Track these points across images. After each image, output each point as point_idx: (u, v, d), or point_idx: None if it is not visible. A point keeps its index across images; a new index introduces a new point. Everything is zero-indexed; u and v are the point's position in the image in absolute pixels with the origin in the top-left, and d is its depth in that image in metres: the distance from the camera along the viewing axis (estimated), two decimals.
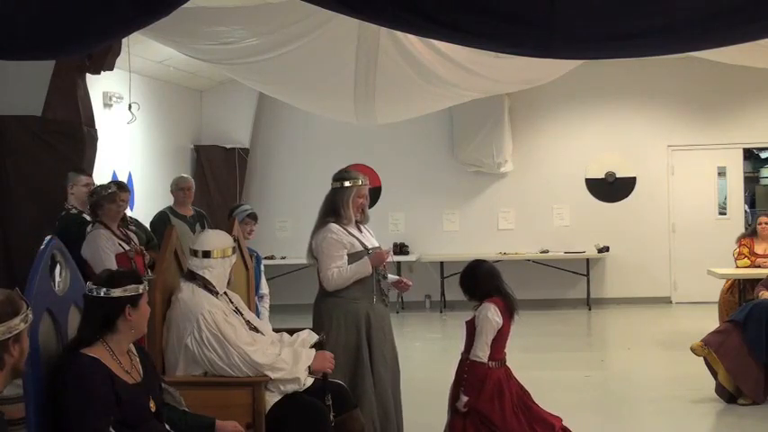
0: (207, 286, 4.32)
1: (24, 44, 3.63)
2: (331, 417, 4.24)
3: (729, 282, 8.95)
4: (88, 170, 6.83)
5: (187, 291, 4.28)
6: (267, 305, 6.76)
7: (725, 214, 12.41)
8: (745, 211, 13.53)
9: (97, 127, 7.26)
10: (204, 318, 4.16)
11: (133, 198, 9.47)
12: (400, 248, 12.18)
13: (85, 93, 7.13)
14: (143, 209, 9.21)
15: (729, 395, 6.63)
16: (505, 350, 4.62)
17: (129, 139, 9.85)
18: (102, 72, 7.33)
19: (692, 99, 12.20)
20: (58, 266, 3.46)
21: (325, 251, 5.02)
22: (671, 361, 8.44)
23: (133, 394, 3.31)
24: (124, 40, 7.07)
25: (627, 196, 12.42)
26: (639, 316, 11.41)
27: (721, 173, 12.47)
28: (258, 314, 5.82)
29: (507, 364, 4.63)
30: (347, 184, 5.11)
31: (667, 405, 6.75)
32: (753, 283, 8.06)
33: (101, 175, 7.55)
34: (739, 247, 9.04)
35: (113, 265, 5.56)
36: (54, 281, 3.43)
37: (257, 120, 12.57)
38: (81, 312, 3.43)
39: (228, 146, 12.14)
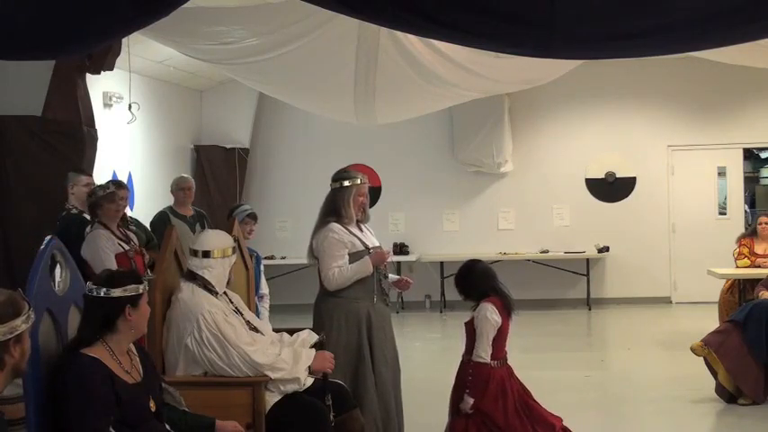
0: (207, 286, 4.32)
1: (24, 44, 3.63)
2: (331, 417, 4.24)
3: (729, 282, 8.95)
4: (88, 170, 6.83)
5: (187, 291, 4.28)
6: (267, 305, 6.76)
7: (725, 214, 12.41)
8: (745, 211, 13.53)
9: (97, 127, 7.27)
10: (204, 318, 4.16)
11: (133, 198, 9.48)
12: (400, 248, 12.18)
13: (85, 93, 7.13)
14: (143, 209, 9.20)
15: (729, 395, 6.63)
16: (506, 348, 4.63)
17: (129, 139, 9.85)
18: (102, 72, 7.33)
19: (692, 99, 12.20)
20: (58, 266, 3.46)
21: (326, 250, 5.02)
22: (671, 361, 8.44)
23: (133, 394, 3.31)
24: (124, 40, 7.07)
25: (627, 196, 12.42)
26: (639, 316, 11.41)
27: (721, 173, 12.47)
28: (258, 314, 5.81)
29: (508, 363, 4.63)
30: (346, 183, 5.11)
31: (667, 405, 6.75)
32: (753, 283, 8.06)
33: (101, 176, 7.55)
34: (739, 247, 9.04)
35: (113, 265, 5.56)
36: (54, 281, 3.43)
37: (257, 120, 12.57)
38: (81, 312, 3.43)
39: (228, 146, 12.14)
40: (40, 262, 3.26)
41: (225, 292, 4.44)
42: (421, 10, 3.32)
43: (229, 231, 4.77)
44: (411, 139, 12.40)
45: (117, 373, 3.30)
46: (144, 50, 8.76)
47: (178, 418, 3.63)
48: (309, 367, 4.29)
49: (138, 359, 3.48)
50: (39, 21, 3.41)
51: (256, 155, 12.69)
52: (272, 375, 4.17)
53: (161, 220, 7.44)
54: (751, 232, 9.15)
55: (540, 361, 8.42)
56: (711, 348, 6.65)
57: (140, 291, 3.40)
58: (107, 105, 9.30)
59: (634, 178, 12.41)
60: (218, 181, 11.96)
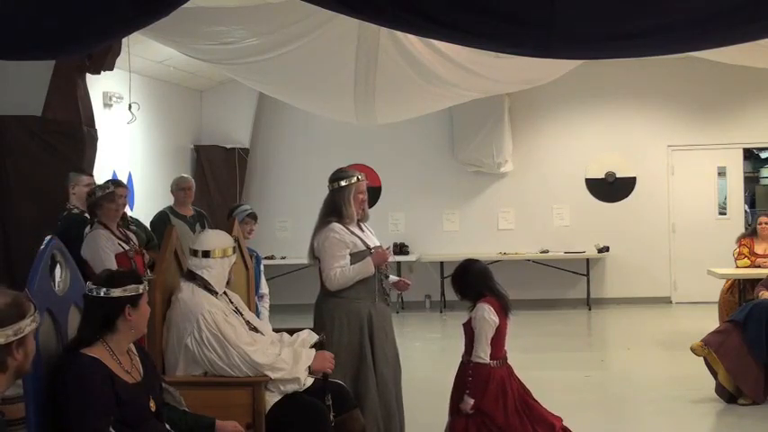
0: (207, 286, 4.32)
1: (24, 44, 3.63)
2: (331, 417, 4.24)
3: (729, 282, 8.95)
4: (88, 170, 6.83)
5: (187, 291, 4.28)
6: (267, 305, 6.76)
7: (725, 214, 12.41)
8: (745, 211, 13.53)
9: (97, 127, 7.26)
10: (204, 318, 4.16)
11: (133, 198, 9.48)
12: (400, 248, 12.17)
13: (85, 93, 7.13)
14: (143, 209, 9.20)
15: (729, 395, 6.63)
16: (505, 348, 4.63)
17: (129, 139, 9.85)
18: (102, 72, 7.33)
19: (692, 99, 12.20)
20: (58, 266, 3.46)
21: (327, 251, 5.01)
22: (671, 361, 8.44)
23: (133, 394, 3.31)
24: (124, 40, 7.07)
25: (627, 196, 12.42)
26: (639, 316, 11.41)
27: (721, 173, 12.47)
28: (258, 314, 5.81)
29: (508, 362, 4.63)
30: (344, 183, 5.10)
31: (667, 405, 6.75)
32: (753, 283, 8.07)
33: (101, 176, 7.54)
34: (739, 247, 9.04)
35: (113, 265, 5.56)
36: (54, 281, 3.43)
37: (257, 120, 12.57)
38: (81, 312, 3.43)
39: (228, 146, 12.14)
40: (40, 262, 3.26)
41: (225, 292, 4.44)
42: (421, 10, 3.32)
43: (229, 231, 4.76)
44: (411, 139, 12.40)
45: (117, 372, 3.30)
46: (144, 50, 8.76)
47: (178, 418, 3.63)
48: (309, 367, 4.29)
49: (138, 359, 3.48)
50: (39, 21, 3.40)
51: (256, 155, 12.69)
52: (272, 375, 4.17)
53: (161, 219, 7.44)
54: (751, 232, 9.15)
55: (540, 361, 8.42)
56: (711, 348, 6.65)
57: (140, 291, 3.40)
58: (107, 105, 9.30)
59: (634, 178, 12.41)
60: (218, 181, 11.96)
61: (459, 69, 7.71)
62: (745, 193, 13.42)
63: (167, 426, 3.48)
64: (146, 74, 10.04)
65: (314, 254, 5.14)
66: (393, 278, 5.34)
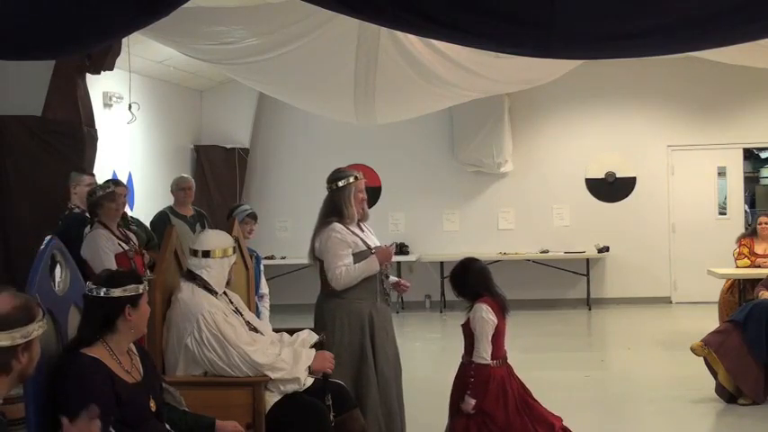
0: (207, 286, 4.32)
1: (24, 44, 3.63)
2: (331, 417, 4.24)
3: (729, 282, 8.95)
4: (88, 170, 6.83)
5: (187, 291, 4.28)
6: (267, 305, 6.75)
7: (725, 214, 12.41)
8: (745, 211, 13.53)
9: (97, 127, 7.27)
10: (204, 318, 4.16)
11: (133, 198, 9.48)
12: (400, 248, 12.17)
13: (85, 93, 7.13)
14: (143, 209, 9.20)
15: (729, 395, 6.62)
16: (505, 347, 4.63)
17: (129, 139, 9.85)
18: (102, 72, 7.34)
19: (692, 99, 12.20)
20: (58, 266, 3.46)
21: (330, 250, 4.99)
22: (671, 361, 8.43)
23: (133, 394, 3.31)
24: (124, 40, 7.07)
25: (627, 196, 12.42)
26: (639, 316, 11.41)
27: (721, 173, 12.47)
28: (258, 314, 5.81)
29: (508, 362, 4.63)
30: (341, 183, 5.09)
31: (667, 405, 6.75)
32: (753, 283, 8.07)
33: (101, 176, 7.53)
34: (739, 247, 9.04)
35: (113, 265, 5.56)
36: (54, 281, 3.43)
37: (257, 120, 12.57)
38: (81, 312, 3.43)
39: (228, 146, 12.14)
40: (40, 262, 3.26)
41: (225, 293, 4.44)
42: (421, 10, 3.32)
43: (229, 231, 4.76)
44: (411, 139, 12.40)
45: (117, 372, 3.30)
46: (144, 50, 8.76)
47: (178, 418, 3.63)
48: (309, 367, 4.29)
49: (138, 359, 3.48)
50: (39, 21, 3.40)
51: (256, 155, 12.69)
52: (272, 375, 4.17)
53: (161, 219, 7.44)
54: (751, 232, 9.15)
55: (540, 361, 8.42)
56: (711, 348, 6.65)
57: (140, 291, 3.40)
58: (107, 105, 9.30)
59: (634, 178, 12.41)
60: (218, 181, 11.96)
61: (459, 69, 7.72)
62: (745, 193, 13.43)
63: (167, 426, 3.48)
64: (146, 74, 10.04)
65: (314, 254, 5.13)
66: (393, 279, 5.34)
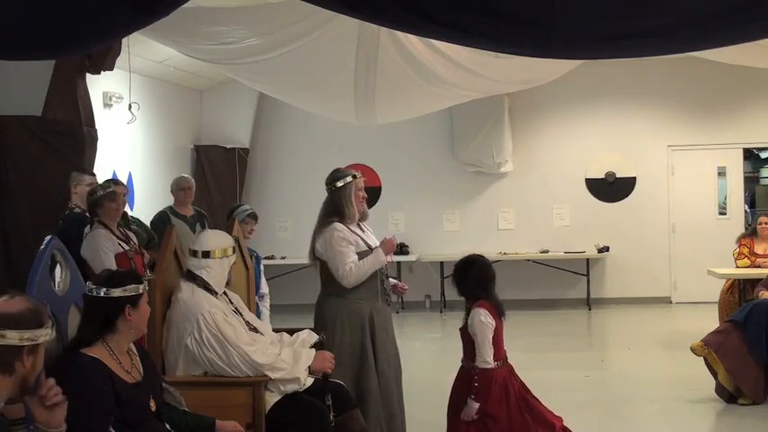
0: (206, 286, 4.32)
1: (24, 44, 3.63)
2: (331, 417, 4.24)
3: (729, 282, 8.95)
4: (89, 170, 6.83)
5: (187, 291, 4.28)
6: (268, 304, 6.75)
7: (725, 214, 12.41)
8: (745, 211, 13.53)
9: (97, 127, 7.26)
10: (204, 318, 4.16)
11: (133, 198, 9.48)
12: (400, 248, 12.15)
13: (85, 93, 7.13)
14: (143, 209, 9.20)
15: (729, 395, 6.63)
16: (505, 348, 4.62)
17: (129, 139, 9.85)
18: (102, 72, 7.33)
19: (692, 99, 12.20)
20: (58, 266, 3.47)
21: (336, 248, 4.98)
22: (671, 361, 8.44)
23: (133, 394, 3.31)
24: (124, 40, 7.07)
25: (627, 196, 12.43)
26: (639, 316, 11.41)
27: (721, 173, 12.47)
28: (259, 314, 5.81)
29: (509, 362, 4.63)
30: (341, 183, 5.08)
31: (667, 405, 6.75)
32: (753, 283, 8.07)
33: (101, 176, 7.52)
34: (739, 247, 9.04)
35: (113, 265, 5.55)
36: (54, 281, 3.44)
37: (257, 120, 12.57)
38: (81, 312, 3.43)
39: (228, 146, 12.14)
40: (40, 262, 3.27)
41: (225, 293, 4.44)
42: (421, 10, 3.31)
43: (229, 231, 4.76)
44: (411, 139, 12.40)
45: (117, 372, 3.30)
46: (144, 50, 8.76)
47: (178, 418, 3.63)
48: (309, 367, 4.29)
49: (138, 359, 3.48)
50: (39, 21, 3.40)
51: (256, 155, 12.69)
52: (272, 375, 4.17)
53: (161, 219, 7.44)
54: (751, 232, 9.15)
55: (540, 361, 8.42)
56: (711, 348, 6.65)
57: (140, 291, 3.40)
58: (107, 105, 9.30)
59: (634, 178, 12.41)
60: (218, 181, 11.96)
61: (459, 69, 7.71)
62: (745, 193, 13.43)
63: (167, 426, 3.48)
64: (146, 74, 10.04)
65: (315, 255, 5.12)
66: (391, 281, 5.34)
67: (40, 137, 6.79)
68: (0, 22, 3.41)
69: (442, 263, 12.08)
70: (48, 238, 3.39)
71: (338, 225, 5.02)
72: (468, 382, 4.51)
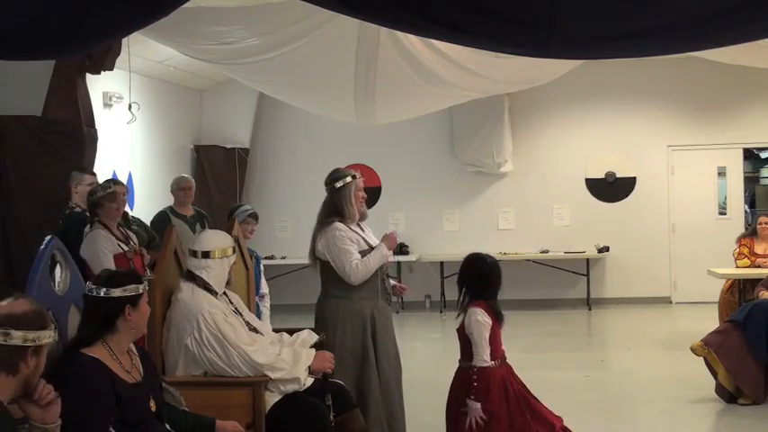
0: (206, 286, 4.32)
1: (24, 44, 3.63)
2: (331, 417, 4.24)
3: (729, 282, 8.94)
4: (89, 170, 6.83)
5: (187, 291, 4.28)
6: (268, 304, 6.75)
7: (725, 214, 12.41)
8: (745, 211, 13.53)
9: (97, 127, 7.26)
10: (204, 318, 4.16)
11: (133, 198, 9.48)
12: (400, 248, 12.16)
13: (85, 93, 7.13)
14: (143, 209, 9.20)
15: (729, 395, 6.63)
16: (503, 347, 4.62)
17: (129, 139, 9.85)
18: (102, 72, 7.33)
19: (692, 99, 12.20)
20: (58, 266, 3.47)
21: (339, 246, 4.98)
22: (671, 361, 8.44)
23: (133, 394, 3.31)
24: (124, 40, 7.07)
25: (627, 196, 12.43)
26: (639, 316, 11.41)
27: (721, 173, 12.48)
28: (259, 314, 5.81)
29: (507, 362, 4.63)
30: (340, 183, 5.08)
31: (667, 405, 6.75)
32: (753, 283, 8.07)
33: (101, 176, 7.52)
34: (739, 247, 9.04)
35: (111, 266, 5.54)
36: (54, 281, 3.44)
37: (257, 120, 12.57)
38: (81, 312, 3.43)
39: (228, 146, 12.14)
40: (40, 262, 3.27)
41: (225, 293, 4.44)
42: (421, 10, 3.31)
43: (229, 232, 4.76)
44: (411, 139, 12.40)
45: (117, 372, 3.30)
46: (144, 50, 8.76)
47: (178, 418, 3.63)
48: (309, 367, 4.29)
49: (138, 359, 3.48)
50: (39, 21, 3.40)
51: (256, 155, 12.69)
52: (272, 375, 4.17)
53: (161, 219, 7.43)
54: (751, 232, 9.15)
55: (540, 361, 8.42)
56: (711, 348, 6.65)
57: (140, 291, 3.40)
58: (107, 105, 9.30)
59: (634, 178, 12.41)
60: (218, 181, 11.96)
61: (459, 69, 7.72)
62: (745, 193, 13.43)
63: (167, 426, 3.48)
64: (146, 74, 10.04)
65: (314, 254, 5.12)
66: (391, 281, 5.34)
67: (40, 137, 6.79)
68: (0, 22, 3.41)
69: (442, 263, 12.09)
70: (48, 238, 3.39)
71: (339, 224, 5.03)
72: (467, 381, 4.51)
